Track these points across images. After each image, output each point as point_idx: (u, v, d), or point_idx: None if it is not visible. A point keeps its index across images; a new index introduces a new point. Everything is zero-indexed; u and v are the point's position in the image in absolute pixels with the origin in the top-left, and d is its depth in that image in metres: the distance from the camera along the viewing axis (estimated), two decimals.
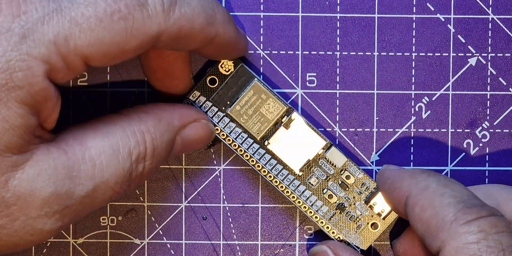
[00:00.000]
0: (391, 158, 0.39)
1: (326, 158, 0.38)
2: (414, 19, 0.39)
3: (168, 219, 0.40)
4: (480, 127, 0.39)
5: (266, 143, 0.38)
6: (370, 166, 0.40)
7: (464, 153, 0.39)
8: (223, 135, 0.38)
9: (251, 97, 0.38)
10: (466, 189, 0.34)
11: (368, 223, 0.38)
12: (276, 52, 0.39)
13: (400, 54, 0.39)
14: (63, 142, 0.32)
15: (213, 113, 0.38)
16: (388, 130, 0.40)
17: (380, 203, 0.38)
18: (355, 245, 0.38)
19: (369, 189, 0.38)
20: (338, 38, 0.39)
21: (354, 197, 0.38)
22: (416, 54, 0.39)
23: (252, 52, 0.39)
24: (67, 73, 0.31)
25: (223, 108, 0.38)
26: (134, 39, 0.31)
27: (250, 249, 0.40)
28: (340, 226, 0.38)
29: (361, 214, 0.38)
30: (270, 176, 0.38)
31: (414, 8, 0.39)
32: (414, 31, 0.39)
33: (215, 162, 0.40)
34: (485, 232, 0.31)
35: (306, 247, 0.40)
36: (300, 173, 0.38)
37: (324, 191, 0.38)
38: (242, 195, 0.40)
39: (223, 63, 0.38)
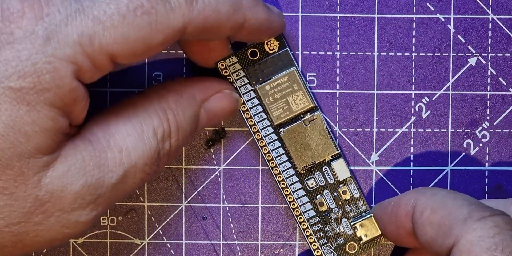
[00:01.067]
0: (391, 158, 0.39)
1: (331, 167, 0.38)
2: (414, 19, 0.39)
3: (168, 219, 0.40)
4: (480, 127, 0.39)
5: (280, 130, 0.38)
6: (370, 166, 0.40)
7: (464, 153, 0.39)
8: (244, 107, 0.38)
9: (284, 82, 0.38)
10: (473, 198, 0.34)
11: (346, 243, 0.38)
12: None
13: (400, 54, 0.39)
14: (88, 132, 0.32)
15: (242, 84, 0.38)
16: (388, 130, 0.40)
17: (365, 228, 0.38)
18: None
19: (359, 210, 0.38)
20: (338, 38, 0.39)
21: (343, 213, 0.38)
22: (416, 54, 0.39)
23: None
24: (95, 72, 0.31)
25: (254, 82, 0.38)
26: (159, 33, 0.31)
27: (250, 249, 0.40)
28: (320, 235, 0.38)
29: (343, 232, 0.38)
30: (273, 163, 0.38)
31: (414, 8, 0.39)
32: (414, 31, 0.39)
33: (215, 162, 0.40)
34: (500, 227, 0.31)
35: (306, 247, 0.40)
36: (302, 172, 0.38)
37: (317, 197, 0.38)
38: (242, 195, 0.40)
39: (270, 41, 0.38)
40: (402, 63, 0.39)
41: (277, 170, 0.38)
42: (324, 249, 0.38)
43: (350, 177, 0.38)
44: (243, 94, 0.38)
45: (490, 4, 0.39)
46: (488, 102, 0.39)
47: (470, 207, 0.33)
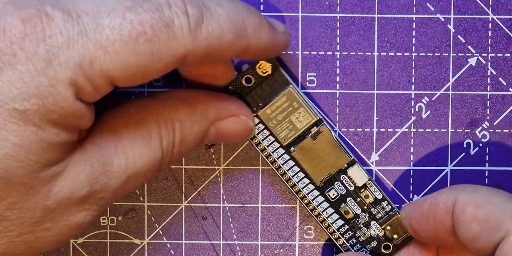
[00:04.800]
0: (391, 158, 0.39)
1: (347, 175, 0.38)
2: (414, 19, 0.39)
3: (168, 219, 0.40)
4: (480, 127, 0.39)
5: (291, 149, 0.38)
6: (370, 166, 0.39)
7: (464, 153, 0.39)
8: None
9: (283, 103, 0.37)
10: None
11: (380, 244, 0.38)
12: None
13: (400, 54, 0.39)
14: (98, 136, 0.32)
15: None
16: (388, 130, 0.40)
17: (395, 227, 0.38)
18: None
19: (386, 211, 0.38)
20: (338, 38, 0.39)
21: (370, 217, 0.38)
22: (416, 54, 0.39)
23: None
24: (95, 94, 0.31)
25: (254, 108, 0.37)
26: (159, 61, 0.30)
27: (250, 249, 0.40)
28: (353, 242, 0.38)
29: (375, 234, 0.38)
30: (291, 182, 0.38)
31: (414, 8, 0.39)
32: (414, 31, 0.39)
33: (215, 162, 0.40)
34: None
35: (306, 247, 0.40)
36: (321, 185, 0.38)
37: (342, 206, 0.38)
38: (242, 195, 0.40)
39: (261, 64, 0.37)
40: (402, 63, 0.39)
41: (296, 188, 0.38)
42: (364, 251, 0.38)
43: (368, 180, 0.38)
44: None
45: (490, 4, 0.39)
46: (488, 102, 0.39)
47: None
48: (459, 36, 0.39)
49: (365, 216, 0.38)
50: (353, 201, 0.38)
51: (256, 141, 0.38)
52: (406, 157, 0.40)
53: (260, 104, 0.38)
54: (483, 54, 0.39)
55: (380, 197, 0.38)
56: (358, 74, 0.39)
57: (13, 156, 0.29)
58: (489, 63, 0.39)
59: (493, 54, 0.39)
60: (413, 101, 0.39)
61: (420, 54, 0.39)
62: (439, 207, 0.35)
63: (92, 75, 0.30)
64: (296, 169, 0.38)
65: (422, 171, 0.40)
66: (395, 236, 0.38)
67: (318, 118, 0.38)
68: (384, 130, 0.40)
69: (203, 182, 0.40)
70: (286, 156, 0.38)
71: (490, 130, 0.39)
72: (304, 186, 0.38)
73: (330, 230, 0.38)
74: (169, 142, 0.34)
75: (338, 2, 0.39)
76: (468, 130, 0.39)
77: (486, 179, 0.39)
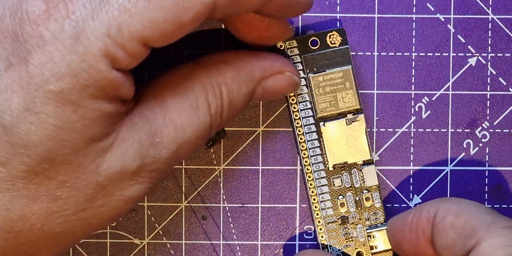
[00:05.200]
0: (391, 158, 0.40)
1: (361, 171, 0.38)
2: (414, 19, 0.39)
3: (168, 219, 0.40)
4: (480, 127, 0.39)
5: (321, 123, 0.38)
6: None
7: (464, 153, 0.39)
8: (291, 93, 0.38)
9: (337, 78, 0.38)
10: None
11: (356, 248, 0.38)
12: None
13: (400, 54, 0.39)
14: (145, 107, 0.32)
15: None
16: (388, 130, 0.40)
17: (378, 239, 0.38)
18: None
19: (377, 220, 0.38)
20: None
21: (360, 219, 0.38)
22: (416, 54, 0.39)
23: None
24: (131, 60, 0.30)
25: (308, 71, 0.38)
26: (187, 11, 0.30)
27: (250, 249, 0.40)
28: (332, 235, 0.38)
29: (356, 237, 0.38)
30: (305, 154, 0.38)
31: (414, 8, 0.39)
32: (414, 31, 0.39)
33: (215, 162, 0.40)
34: None
35: (306, 247, 0.40)
36: (331, 169, 0.38)
37: (340, 197, 0.38)
38: (242, 195, 0.40)
39: (333, 34, 0.38)
40: (402, 63, 0.39)
41: (307, 162, 0.38)
42: (333, 248, 0.38)
43: (376, 186, 0.38)
44: None
45: (490, 4, 0.39)
46: (488, 102, 0.39)
47: (494, 215, 0.33)
48: (459, 36, 0.39)
49: (355, 216, 0.38)
50: (352, 197, 0.38)
51: (293, 100, 0.38)
52: (406, 157, 0.40)
53: (315, 69, 0.38)
54: (483, 54, 0.39)
55: (378, 205, 0.38)
56: (358, 74, 0.39)
57: (55, 137, 0.29)
58: (489, 63, 0.39)
59: (493, 54, 0.39)
60: (413, 101, 0.39)
61: (420, 54, 0.39)
62: (422, 216, 0.35)
63: (122, 41, 0.29)
64: (316, 143, 0.38)
65: (422, 171, 0.40)
66: (374, 248, 0.38)
67: (361, 106, 0.38)
68: (384, 130, 0.40)
69: (203, 182, 0.40)
70: (314, 128, 0.38)
71: (490, 130, 0.39)
72: (315, 163, 0.38)
73: (318, 215, 0.38)
74: (217, 107, 0.33)
75: (338, 2, 0.39)
76: (468, 130, 0.39)
77: (486, 179, 0.39)
